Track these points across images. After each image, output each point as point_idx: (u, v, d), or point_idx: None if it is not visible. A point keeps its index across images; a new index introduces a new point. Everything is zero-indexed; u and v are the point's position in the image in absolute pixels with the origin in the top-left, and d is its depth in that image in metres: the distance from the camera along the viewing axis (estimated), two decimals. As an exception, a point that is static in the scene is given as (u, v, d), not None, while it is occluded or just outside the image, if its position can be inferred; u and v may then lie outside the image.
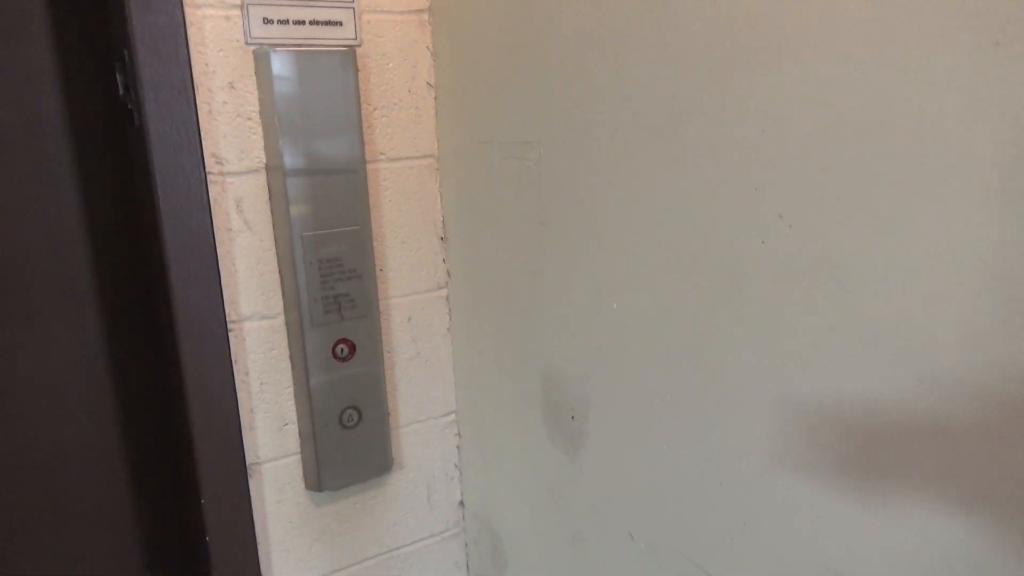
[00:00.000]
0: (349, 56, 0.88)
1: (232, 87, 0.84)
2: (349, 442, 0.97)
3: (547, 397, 0.86)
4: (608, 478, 0.79)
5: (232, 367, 0.89)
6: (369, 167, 0.94)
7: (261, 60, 0.84)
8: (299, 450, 0.95)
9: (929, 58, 0.44)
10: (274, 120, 0.85)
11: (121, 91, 0.87)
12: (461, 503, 1.11)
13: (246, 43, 0.84)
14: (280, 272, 0.90)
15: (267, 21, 0.84)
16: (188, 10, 0.80)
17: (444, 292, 1.03)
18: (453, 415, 1.08)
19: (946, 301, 0.45)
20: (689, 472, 0.68)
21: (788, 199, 0.53)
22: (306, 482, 0.97)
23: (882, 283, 0.48)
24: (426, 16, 0.94)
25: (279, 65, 0.84)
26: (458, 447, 1.09)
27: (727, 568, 0.66)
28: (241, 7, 0.83)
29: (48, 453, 0.93)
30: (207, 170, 0.84)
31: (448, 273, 1.02)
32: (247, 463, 0.92)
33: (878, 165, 0.47)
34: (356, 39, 0.90)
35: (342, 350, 0.94)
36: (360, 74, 0.91)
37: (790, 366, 0.56)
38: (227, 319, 0.87)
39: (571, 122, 0.73)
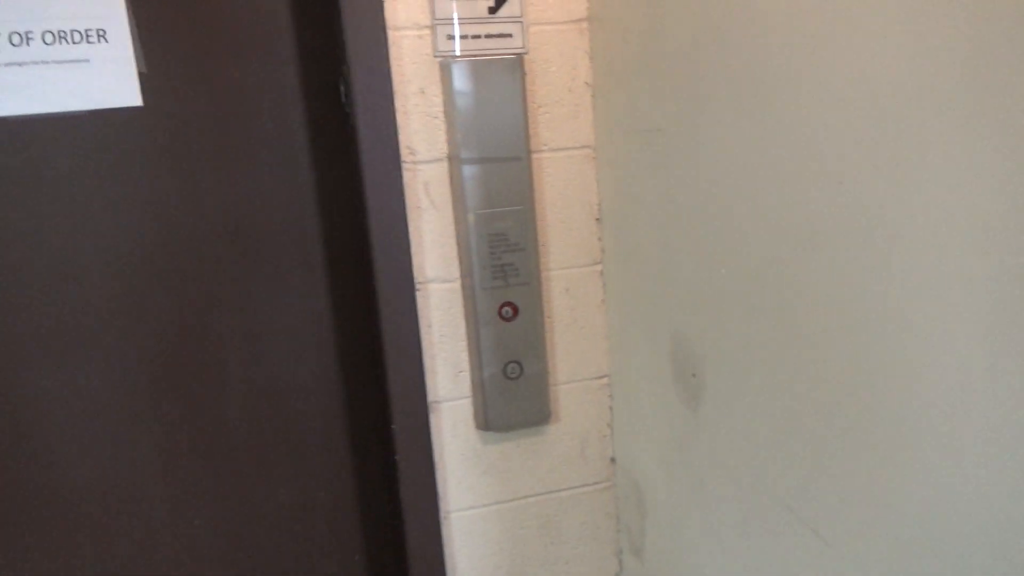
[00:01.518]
0: (517, 63, 1.05)
1: (422, 92, 1.04)
2: (512, 391, 1.13)
3: (675, 358, 0.97)
4: (720, 430, 0.88)
5: (418, 320, 1.09)
6: (533, 156, 1.10)
7: (445, 69, 1.04)
8: (470, 394, 1.14)
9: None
10: (455, 118, 1.04)
11: (343, 99, 1.11)
12: (612, 459, 1.23)
13: (434, 56, 1.03)
14: (457, 243, 1.09)
15: (450, 37, 1.03)
16: (390, 32, 1.01)
17: (599, 267, 1.16)
18: (606, 378, 1.20)
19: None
20: (784, 425, 0.76)
21: (845, 167, 0.61)
22: (476, 422, 1.15)
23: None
24: (584, 24, 1.08)
25: (459, 73, 1.03)
26: (611, 408, 1.21)
27: (830, 524, 0.73)
28: (431, 27, 1.03)
29: (286, 384, 1.20)
30: (402, 159, 1.04)
31: (603, 250, 1.15)
32: (428, 400, 1.12)
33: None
34: (524, 48, 1.07)
35: (507, 311, 1.11)
36: (527, 77, 1.07)
37: (858, 313, 0.63)
38: (415, 281, 1.08)
39: (685, 109, 0.84)
